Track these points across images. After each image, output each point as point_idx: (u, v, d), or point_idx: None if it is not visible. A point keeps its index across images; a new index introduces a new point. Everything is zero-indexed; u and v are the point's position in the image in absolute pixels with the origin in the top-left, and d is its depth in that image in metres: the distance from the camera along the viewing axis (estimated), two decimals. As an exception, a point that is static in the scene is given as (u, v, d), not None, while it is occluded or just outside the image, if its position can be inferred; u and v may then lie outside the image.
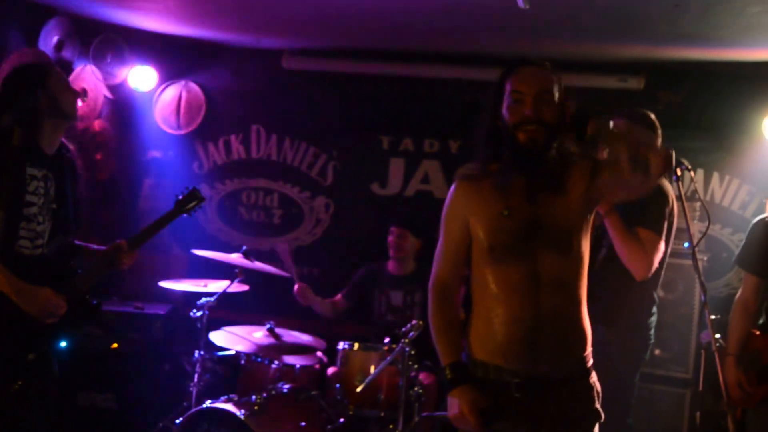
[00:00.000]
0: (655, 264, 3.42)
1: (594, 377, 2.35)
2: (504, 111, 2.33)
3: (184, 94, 5.55)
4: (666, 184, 3.56)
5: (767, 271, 3.53)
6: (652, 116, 3.76)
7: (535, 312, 2.20)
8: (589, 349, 2.34)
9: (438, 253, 2.44)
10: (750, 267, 3.57)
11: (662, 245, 3.43)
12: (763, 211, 4.98)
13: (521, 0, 2.90)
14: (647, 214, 3.43)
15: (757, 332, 3.52)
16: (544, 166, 2.26)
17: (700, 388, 3.23)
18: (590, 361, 2.35)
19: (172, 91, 5.56)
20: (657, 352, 4.53)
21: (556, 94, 2.30)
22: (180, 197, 3.49)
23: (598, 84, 5.08)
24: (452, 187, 2.43)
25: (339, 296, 4.86)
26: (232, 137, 5.60)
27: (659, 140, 3.67)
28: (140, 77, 5.30)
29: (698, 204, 4.63)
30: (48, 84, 2.92)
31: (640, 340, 3.62)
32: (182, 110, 5.55)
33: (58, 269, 3.03)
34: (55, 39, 4.59)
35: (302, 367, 4.28)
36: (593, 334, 3.52)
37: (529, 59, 2.37)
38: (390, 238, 4.79)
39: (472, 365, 2.32)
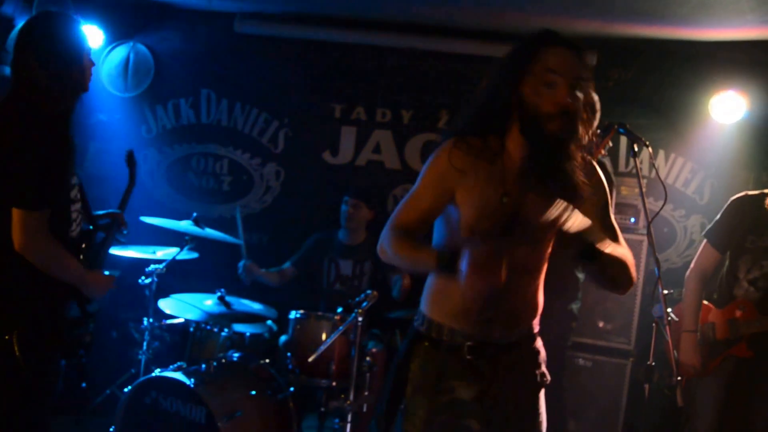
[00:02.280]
0: None
1: (539, 343, 2.45)
2: (530, 92, 2.13)
3: (132, 56, 5.39)
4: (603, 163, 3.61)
5: (727, 247, 3.63)
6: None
7: (495, 290, 2.22)
8: (537, 318, 2.43)
9: (407, 203, 2.29)
10: (714, 241, 3.65)
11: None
12: (702, 189, 5.14)
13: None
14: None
15: (711, 306, 3.62)
16: (557, 163, 2.17)
17: (650, 362, 3.32)
18: (537, 329, 2.44)
19: (119, 53, 5.40)
20: (600, 324, 4.65)
21: (590, 80, 2.16)
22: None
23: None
24: (447, 147, 2.24)
25: (288, 264, 4.83)
26: (182, 101, 5.48)
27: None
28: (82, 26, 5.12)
29: (644, 181, 4.73)
30: (85, 59, 2.73)
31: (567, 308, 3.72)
32: (130, 72, 5.40)
33: (89, 243, 3.03)
34: (-4, -7, 4.41)
35: (252, 335, 4.25)
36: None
37: (561, 36, 2.15)
38: (344, 207, 4.77)
39: (428, 325, 2.36)
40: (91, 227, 3.09)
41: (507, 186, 2.20)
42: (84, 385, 4.46)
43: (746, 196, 3.62)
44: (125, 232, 3.41)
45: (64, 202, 2.68)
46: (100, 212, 3.29)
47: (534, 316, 2.41)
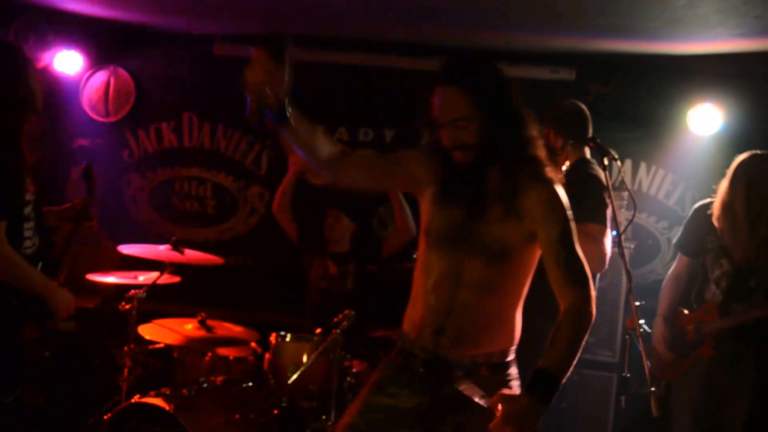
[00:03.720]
0: (608, 253, 3.51)
1: (510, 378, 2.37)
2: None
3: (112, 80, 5.41)
4: (596, 168, 3.63)
5: (695, 251, 3.74)
6: (583, 107, 3.83)
7: (448, 306, 2.28)
8: (506, 348, 2.37)
9: None
10: (682, 248, 3.82)
11: (609, 232, 3.52)
12: (684, 200, 5.17)
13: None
14: (588, 205, 3.50)
15: (685, 311, 3.70)
16: (489, 181, 2.25)
17: (625, 373, 3.37)
18: (505, 360, 2.36)
19: (100, 77, 5.42)
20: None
21: (474, 113, 2.22)
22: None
23: (531, 75, 5.14)
24: (423, 143, 2.42)
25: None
26: (164, 125, 5.49)
27: (590, 130, 3.76)
28: (66, 62, 5.14)
29: (626, 193, 4.76)
30: (29, 77, 2.82)
31: None
32: (111, 97, 5.42)
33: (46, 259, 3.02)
34: (-28, 21, 4.43)
35: (236, 358, 4.23)
36: (534, 322, 3.61)
37: (443, 73, 2.27)
38: (327, 220, 4.77)
39: (400, 332, 2.46)
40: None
41: (453, 199, 2.30)
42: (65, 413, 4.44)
43: (705, 202, 3.73)
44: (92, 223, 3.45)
45: (16, 218, 2.70)
46: (64, 207, 3.32)
47: (500, 344, 2.35)
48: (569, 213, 2.29)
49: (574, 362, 2.20)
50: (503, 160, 2.24)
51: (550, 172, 2.28)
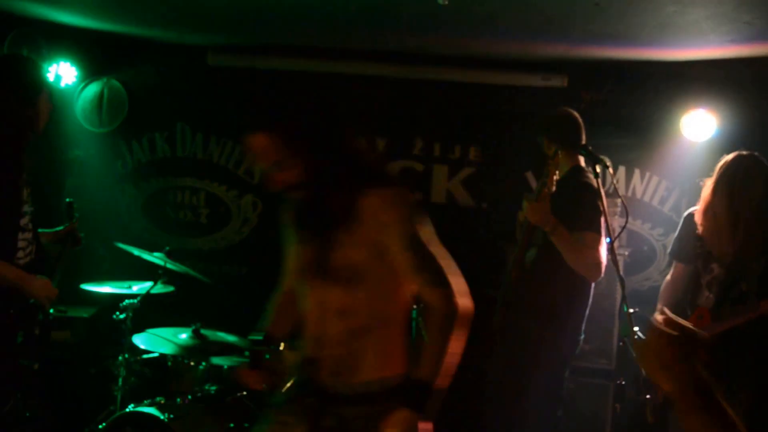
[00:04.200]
0: (603, 261, 3.50)
1: (387, 407, 2.22)
2: None
3: (106, 91, 5.42)
4: (591, 176, 3.62)
5: (686, 257, 3.73)
6: (575, 114, 3.84)
7: (320, 334, 2.29)
8: (388, 376, 2.27)
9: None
10: (675, 254, 3.82)
11: (604, 240, 3.51)
12: (679, 206, 5.17)
13: (439, -4, 2.91)
14: (583, 214, 3.51)
15: (676, 318, 3.67)
16: (330, 207, 2.22)
17: (620, 381, 3.35)
18: (386, 388, 2.28)
19: (93, 88, 5.43)
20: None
21: (287, 153, 2.18)
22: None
23: (523, 82, 5.16)
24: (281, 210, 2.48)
25: None
26: (157, 135, 5.49)
27: (584, 138, 3.76)
28: (60, 74, 5.15)
29: (619, 200, 4.75)
30: (41, 98, 2.90)
31: (571, 336, 3.70)
32: (104, 108, 5.43)
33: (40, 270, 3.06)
34: (-33, 33, 4.43)
35: (230, 367, 4.22)
36: (528, 328, 3.61)
37: (252, 123, 2.24)
38: None
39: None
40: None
41: (301, 233, 2.34)
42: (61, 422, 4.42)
43: (695, 209, 3.72)
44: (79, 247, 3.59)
45: (9, 229, 2.70)
46: (56, 229, 3.41)
47: (380, 371, 2.26)
48: (413, 215, 2.24)
49: (450, 360, 2.17)
50: (335, 183, 2.20)
51: (384, 178, 2.25)
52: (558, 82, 5.08)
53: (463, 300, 2.21)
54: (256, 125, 2.20)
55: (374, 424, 2.16)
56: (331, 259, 2.21)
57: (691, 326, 1.59)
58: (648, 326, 1.67)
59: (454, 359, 2.18)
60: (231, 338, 4.15)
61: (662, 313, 3.02)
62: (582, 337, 3.75)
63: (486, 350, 4.08)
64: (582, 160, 3.73)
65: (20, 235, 2.79)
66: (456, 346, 2.19)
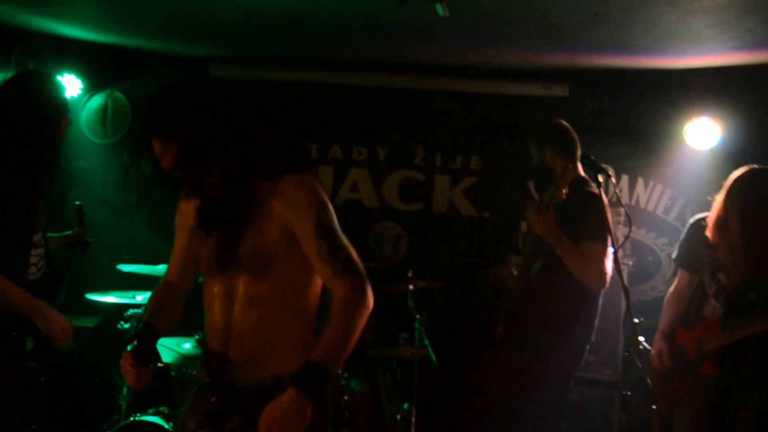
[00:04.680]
0: (608, 271, 3.49)
1: None
2: None
3: (109, 103, 5.46)
4: (594, 186, 3.61)
5: (693, 266, 3.66)
6: (568, 125, 3.82)
7: (227, 325, 2.22)
8: (293, 370, 2.14)
9: (172, 254, 2.51)
10: (681, 263, 3.75)
11: (609, 251, 3.50)
12: (684, 215, 5.15)
13: (441, 7, 2.91)
14: (588, 225, 3.50)
15: (681, 328, 3.63)
16: (237, 198, 2.21)
17: (625, 392, 3.31)
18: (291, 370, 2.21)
19: (97, 100, 5.46)
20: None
21: (188, 155, 2.19)
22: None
23: (525, 92, 5.17)
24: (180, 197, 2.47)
25: None
26: (161, 146, 5.50)
27: (579, 151, 3.75)
28: (64, 85, 5.18)
29: (622, 210, 4.74)
30: (62, 120, 2.91)
31: (577, 347, 3.69)
32: (108, 119, 5.46)
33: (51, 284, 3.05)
34: (-27, 47, 4.47)
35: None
36: (534, 339, 3.60)
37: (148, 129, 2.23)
38: None
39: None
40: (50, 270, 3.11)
41: (206, 223, 2.27)
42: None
43: (701, 216, 3.68)
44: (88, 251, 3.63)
45: (23, 246, 2.71)
46: (65, 233, 3.44)
47: (290, 364, 2.17)
48: (322, 200, 2.20)
49: (347, 353, 2.12)
50: (240, 175, 2.20)
51: (289, 164, 2.21)
52: (560, 91, 5.08)
53: (370, 291, 2.17)
54: (153, 131, 2.19)
55: None
56: (240, 247, 2.18)
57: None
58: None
59: (351, 347, 2.13)
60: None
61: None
62: (588, 347, 3.74)
63: (489, 361, 4.08)
64: (581, 170, 3.73)
65: (33, 251, 2.80)
66: (357, 335, 2.14)
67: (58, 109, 2.87)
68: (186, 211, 2.39)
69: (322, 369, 2.05)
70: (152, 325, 2.35)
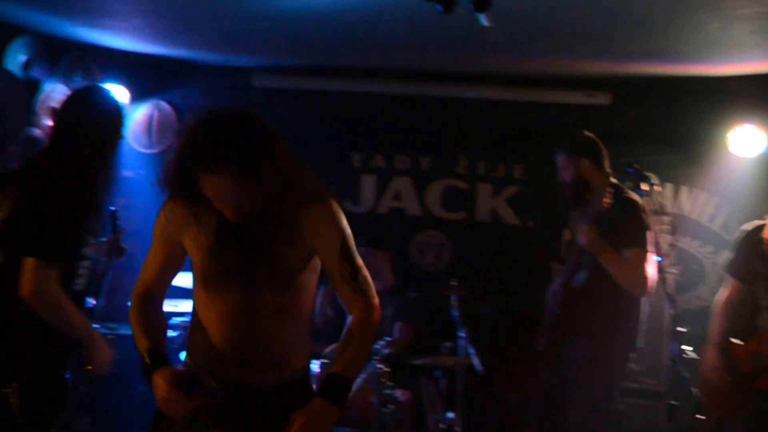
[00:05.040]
0: (652, 276, 3.47)
1: (310, 391, 2.39)
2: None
3: (155, 113, 5.54)
4: (630, 192, 3.61)
5: (746, 276, 3.63)
6: (592, 138, 3.80)
7: (247, 335, 2.28)
8: (305, 363, 2.41)
9: (146, 262, 2.44)
10: (732, 271, 3.72)
11: (652, 257, 3.48)
12: (728, 224, 5.08)
13: (483, 18, 2.92)
14: (629, 231, 3.50)
15: (737, 341, 3.58)
16: (266, 222, 2.25)
17: (672, 401, 3.27)
18: (306, 375, 2.43)
19: (143, 110, 5.55)
20: (630, 365, 4.56)
21: (249, 189, 2.17)
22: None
23: (567, 100, 5.15)
24: (163, 205, 2.36)
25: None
26: (205, 155, 5.57)
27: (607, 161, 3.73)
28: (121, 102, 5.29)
29: (667, 218, 4.70)
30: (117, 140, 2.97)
31: (621, 357, 3.67)
32: (154, 129, 5.54)
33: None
34: (23, 58, 4.56)
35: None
36: (578, 349, 3.59)
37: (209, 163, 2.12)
38: None
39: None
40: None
41: (223, 236, 2.27)
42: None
43: (755, 225, 3.63)
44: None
45: (74, 258, 2.76)
46: (99, 239, 3.44)
47: (297, 361, 2.37)
48: (344, 225, 2.33)
49: (363, 361, 2.34)
50: (271, 202, 2.23)
51: (317, 190, 2.31)
52: (602, 99, 5.06)
53: (379, 310, 2.36)
54: (212, 167, 2.12)
55: (291, 412, 2.17)
56: (269, 265, 2.27)
57: None
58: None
59: (365, 360, 2.35)
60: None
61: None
62: (633, 355, 3.73)
63: (532, 371, 4.06)
64: (613, 178, 3.72)
65: (81, 263, 2.86)
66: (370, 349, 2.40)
67: (115, 125, 2.93)
68: (177, 221, 2.33)
69: (347, 381, 2.21)
70: (160, 348, 2.34)
